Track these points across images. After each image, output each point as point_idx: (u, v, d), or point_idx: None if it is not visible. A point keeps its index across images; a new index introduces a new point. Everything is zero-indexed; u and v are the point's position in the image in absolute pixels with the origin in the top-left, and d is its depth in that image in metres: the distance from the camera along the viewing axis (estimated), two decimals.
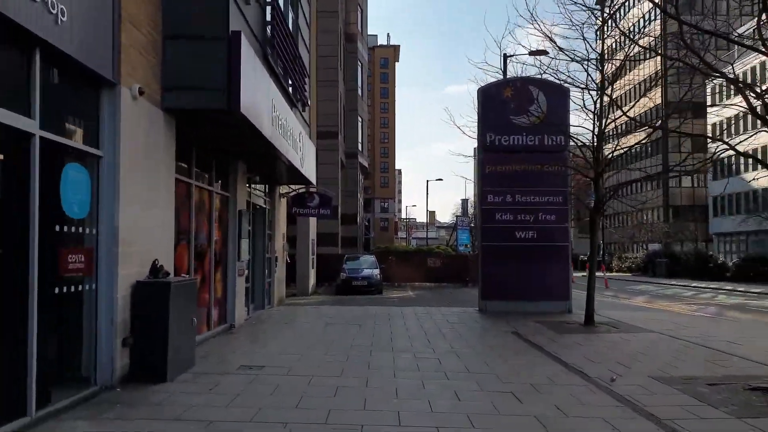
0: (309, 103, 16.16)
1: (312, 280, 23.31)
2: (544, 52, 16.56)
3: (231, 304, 11.32)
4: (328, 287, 25.89)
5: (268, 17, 10.21)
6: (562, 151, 15.09)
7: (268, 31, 10.19)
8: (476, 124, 15.35)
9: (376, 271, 23.23)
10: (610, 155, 12.27)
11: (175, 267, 8.26)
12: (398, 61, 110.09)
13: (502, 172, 15.14)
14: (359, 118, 40.82)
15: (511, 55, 18.02)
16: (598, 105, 12.25)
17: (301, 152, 13.11)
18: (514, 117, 15.03)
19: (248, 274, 13.34)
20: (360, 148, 40.82)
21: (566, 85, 13.45)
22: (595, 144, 12.28)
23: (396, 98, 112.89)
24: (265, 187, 14.96)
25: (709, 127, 48.76)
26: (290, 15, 13.48)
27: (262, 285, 14.63)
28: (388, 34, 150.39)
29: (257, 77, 8.49)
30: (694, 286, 29.22)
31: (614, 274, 40.15)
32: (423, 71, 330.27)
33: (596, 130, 12.24)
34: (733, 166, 45.66)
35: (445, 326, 11.99)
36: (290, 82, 13.41)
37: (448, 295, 21.97)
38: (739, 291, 26.05)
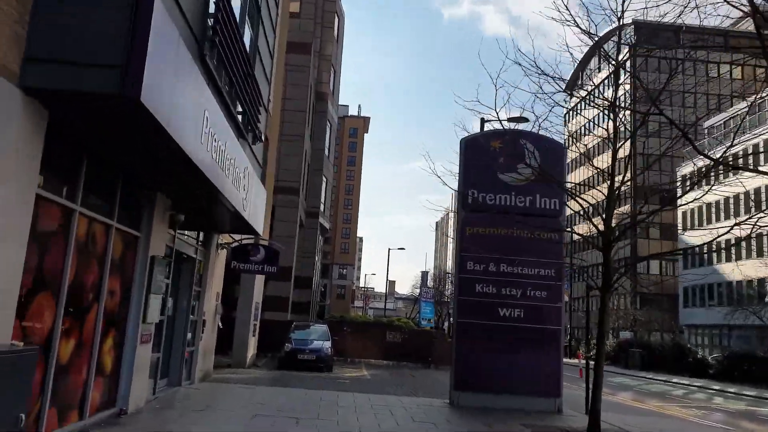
0: (263, 138, 13.74)
1: (252, 350, 20.05)
2: (524, 119, 14.88)
3: (125, 381, 8.30)
4: (270, 359, 22.55)
5: (212, 8, 7.95)
6: (556, 217, 13.01)
7: (209, 23, 7.89)
8: (444, 193, 13.22)
9: (328, 344, 20.19)
10: (628, 221, 10.13)
11: (22, 327, 5.45)
12: (367, 132, 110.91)
13: (485, 236, 12.86)
14: (324, 178, 38.71)
15: (488, 120, 16.25)
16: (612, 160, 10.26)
17: (246, 192, 10.54)
18: (501, 173, 12.97)
19: (162, 340, 10.35)
20: (322, 208, 38.45)
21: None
22: (606, 208, 10.19)
23: (363, 167, 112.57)
24: (198, 234, 12.22)
25: (679, 215, 48.73)
26: (248, 31, 11.32)
27: (180, 355, 11.56)
28: (359, 105, 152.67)
29: (180, 71, 6.06)
30: (678, 383, 26.99)
31: (581, 361, 37.79)
32: (390, 146, 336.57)
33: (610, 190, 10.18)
34: (705, 256, 45.08)
35: (410, 427, 9.17)
36: (240, 107, 11.05)
37: (409, 378, 19.02)
38: (731, 392, 23.91)
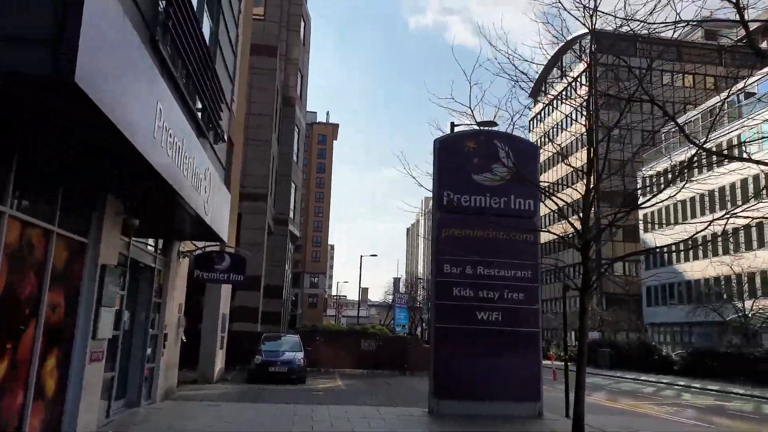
0: (225, 138, 13.03)
1: (219, 364, 19.14)
2: (493, 123, 14.57)
3: (72, 404, 7.48)
4: (240, 372, 21.64)
5: None
6: (531, 217, 12.64)
7: (161, 6, 7.21)
8: (422, 191, 12.75)
9: (300, 355, 19.42)
10: (613, 218, 9.75)
11: None
12: (336, 139, 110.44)
13: (461, 237, 12.39)
14: (293, 185, 37.90)
15: (458, 125, 15.83)
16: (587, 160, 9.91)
17: (208, 195, 9.83)
18: (476, 174, 12.55)
19: (117, 357, 9.53)
20: (291, 215, 37.59)
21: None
22: (583, 207, 9.81)
23: (332, 174, 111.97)
24: (157, 241, 11.42)
25: (640, 216, 49.34)
26: (207, 21, 10.65)
27: (138, 373, 10.72)
28: (328, 112, 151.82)
29: (126, 54, 5.39)
30: (646, 380, 27.04)
31: (554, 362, 37.82)
32: (359, 153, 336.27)
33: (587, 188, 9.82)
34: (666, 256, 45.75)
35: None
36: (199, 103, 10.35)
37: (385, 386, 18.41)
38: (696, 388, 24.00)
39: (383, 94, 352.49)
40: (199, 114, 10.54)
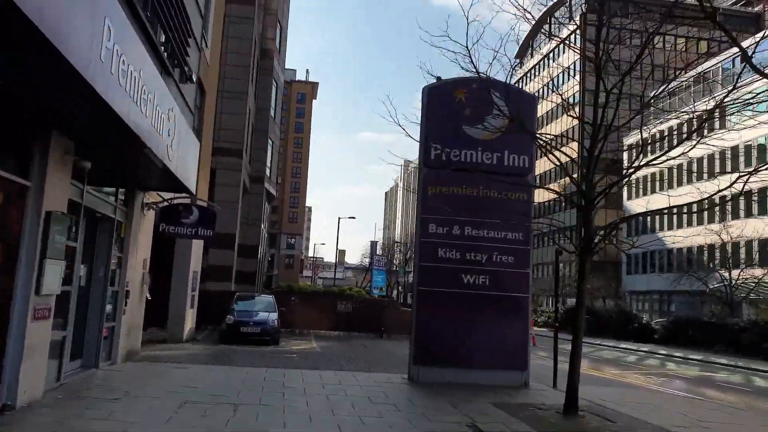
0: (194, 78, 11.88)
1: (190, 324, 18.35)
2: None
3: (11, 367, 6.58)
4: (212, 333, 20.92)
5: None
6: (525, 175, 11.86)
7: None
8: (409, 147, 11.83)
9: (274, 316, 18.71)
10: (625, 173, 8.99)
11: None
12: (315, 98, 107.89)
13: (449, 195, 11.58)
14: (270, 141, 36.51)
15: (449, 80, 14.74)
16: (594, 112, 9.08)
17: (173, 140, 8.79)
18: (467, 126, 11.66)
19: (71, 315, 8.61)
20: (268, 173, 36.35)
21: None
22: (588, 161, 9.05)
23: (311, 134, 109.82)
24: (117, 191, 10.36)
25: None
26: None
27: (96, 332, 9.83)
28: (307, 70, 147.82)
29: None
30: (627, 348, 27.09)
31: (533, 328, 38.01)
32: (338, 115, 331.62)
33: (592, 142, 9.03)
34: (648, 224, 45.92)
35: (369, 412, 7.91)
36: (163, 36, 9.20)
37: (361, 349, 17.85)
38: (679, 357, 24.08)
39: (366, 56, 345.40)
40: (163, 48, 9.39)
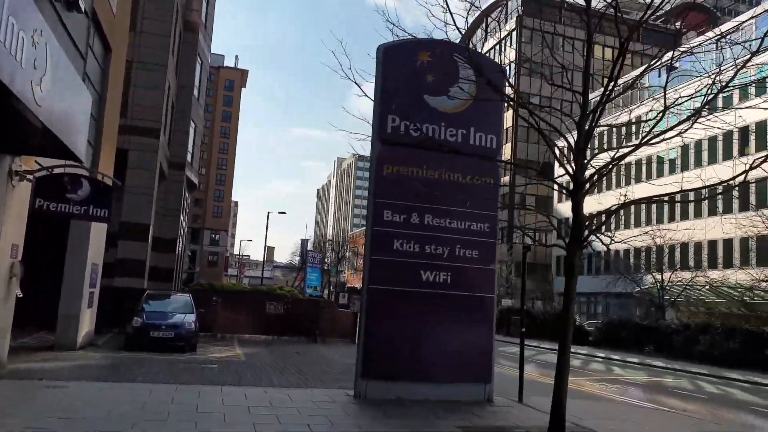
0: (82, 8, 9.32)
1: (87, 327, 15.47)
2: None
3: None
4: (117, 336, 18.01)
5: None
6: (493, 156, 10.21)
7: None
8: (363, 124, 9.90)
9: (191, 318, 16.14)
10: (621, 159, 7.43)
11: None
12: (245, 86, 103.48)
13: (407, 177, 9.73)
14: (192, 124, 33.31)
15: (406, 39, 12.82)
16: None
17: (42, 76, 6.36)
18: (430, 96, 9.87)
19: None
20: (190, 159, 33.15)
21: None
22: (577, 138, 7.46)
23: (239, 125, 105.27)
24: None
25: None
26: None
27: None
28: (237, 56, 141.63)
29: None
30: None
31: None
32: (267, 109, 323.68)
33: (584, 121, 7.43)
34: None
35: None
36: None
37: (294, 357, 15.67)
38: (617, 360, 23.57)
39: (300, 48, 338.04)
40: None
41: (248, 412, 7.59)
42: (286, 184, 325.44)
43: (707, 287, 31.10)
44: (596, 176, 7.42)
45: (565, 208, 46.62)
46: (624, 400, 12.36)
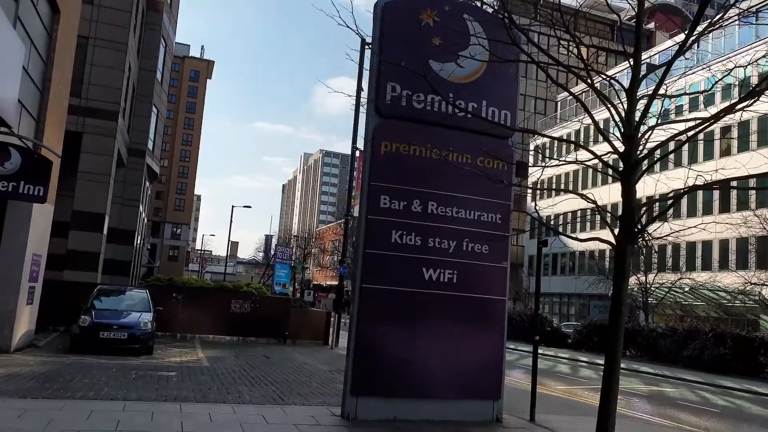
0: None
1: (25, 326, 13.50)
2: None
3: None
4: (63, 336, 16.06)
5: None
6: (506, 137, 8.87)
7: None
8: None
9: (147, 317, 14.33)
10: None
11: None
12: (210, 77, 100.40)
13: (408, 157, 8.28)
14: (154, 109, 31.11)
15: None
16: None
17: None
18: (436, 62, 8.44)
19: None
20: (151, 146, 30.96)
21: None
22: (628, 105, 6.16)
23: (204, 117, 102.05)
24: None
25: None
26: None
27: None
28: (202, 46, 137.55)
29: None
30: (548, 355, 25.29)
31: None
32: (232, 102, 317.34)
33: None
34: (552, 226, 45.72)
35: None
36: None
37: (264, 362, 14.03)
38: (602, 365, 22.55)
39: (266, 41, 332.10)
40: None
41: None
42: (250, 179, 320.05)
43: (687, 290, 30.66)
44: (654, 154, 6.11)
45: (541, 206, 45.93)
46: (636, 415, 11.20)
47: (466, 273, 8.34)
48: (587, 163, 6.79)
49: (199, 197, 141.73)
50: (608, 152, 6.48)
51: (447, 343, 8.16)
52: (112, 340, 13.53)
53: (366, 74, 8.73)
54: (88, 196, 22.09)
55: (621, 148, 6.15)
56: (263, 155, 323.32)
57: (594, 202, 6.42)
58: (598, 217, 42.24)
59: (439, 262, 8.23)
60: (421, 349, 8.00)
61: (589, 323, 29.61)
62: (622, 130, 6.04)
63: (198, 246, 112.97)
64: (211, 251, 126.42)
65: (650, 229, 6.61)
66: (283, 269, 25.35)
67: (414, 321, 8.05)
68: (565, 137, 40.23)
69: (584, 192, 7.33)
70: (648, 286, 29.37)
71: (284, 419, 7.36)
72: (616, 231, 6.18)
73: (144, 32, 29.17)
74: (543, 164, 7.99)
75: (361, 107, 20.05)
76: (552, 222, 42.74)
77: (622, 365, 22.12)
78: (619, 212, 6.07)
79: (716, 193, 29.36)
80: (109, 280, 24.03)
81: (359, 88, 19.62)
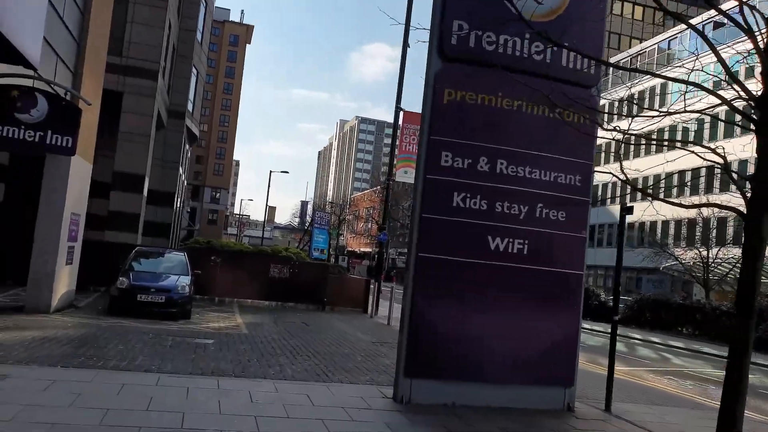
0: None
1: (66, 287, 13.18)
2: None
3: None
4: (102, 297, 15.83)
5: None
6: (590, 86, 7.67)
7: None
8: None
9: (185, 280, 13.84)
10: None
11: None
12: (250, 42, 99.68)
13: (475, 107, 7.20)
14: (194, 70, 30.48)
15: None
16: None
17: None
18: None
19: None
20: (191, 108, 30.47)
21: None
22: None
23: (243, 81, 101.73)
24: None
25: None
26: None
27: None
28: (243, 10, 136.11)
29: None
30: (598, 331, 23.99)
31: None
32: (269, 68, 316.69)
33: None
34: (600, 197, 43.82)
35: None
36: None
37: (303, 330, 13.40)
38: (659, 344, 21.37)
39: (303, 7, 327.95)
40: None
41: (255, 425, 5.27)
42: (287, 146, 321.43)
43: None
44: None
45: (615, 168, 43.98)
46: (715, 405, 10.05)
47: (538, 243, 7.29)
48: (705, 111, 5.56)
49: (237, 162, 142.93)
50: (736, 98, 5.26)
51: (514, 323, 7.19)
52: (149, 303, 13.09)
53: (426, 17, 7.57)
54: (129, 157, 21.75)
55: (756, 91, 4.93)
56: (299, 122, 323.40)
57: (723, 156, 5.22)
58: (694, 181, 39.68)
59: (507, 230, 7.19)
60: (484, 328, 7.06)
61: (640, 298, 28.16)
62: (762, 67, 4.82)
63: (236, 210, 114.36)
64: (249, 215, 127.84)
65: None
66: (321, 234, 24.67)
67: (477, 296, 7.09)
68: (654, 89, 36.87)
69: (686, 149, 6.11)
70: (707, 261, 27.58)
71: (332, 400, 6.58)
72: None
73: None
74: (647, 112, 6.76)
75: (406, 61, 18.82)
76: (630, 186, 40.78)
77: (680, 344, 21.09)
78: (750, 172, 4.90)
79: None
80: (149, 241, 23.89)
81: (406, 40, 18.37)
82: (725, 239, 30.12)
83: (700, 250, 27.70)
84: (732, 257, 27.68)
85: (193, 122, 31.83)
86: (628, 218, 8.35)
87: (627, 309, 27.86)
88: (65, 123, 7.31)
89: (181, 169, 30.94)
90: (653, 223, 38.94)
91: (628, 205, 8.10)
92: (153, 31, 22.49)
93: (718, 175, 28.10)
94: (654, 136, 7.85)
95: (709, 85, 6.13)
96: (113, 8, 14.79)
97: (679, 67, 8.01)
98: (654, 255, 30.07)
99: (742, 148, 12.97)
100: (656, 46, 46.51)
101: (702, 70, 6.78)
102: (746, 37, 5.49)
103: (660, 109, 6.19)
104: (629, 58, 48.21)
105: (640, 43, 51.89)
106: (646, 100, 37.23)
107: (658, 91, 38.84)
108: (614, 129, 6.11)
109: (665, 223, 38.98)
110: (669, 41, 44.98)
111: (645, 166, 18.88)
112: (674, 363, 16.44)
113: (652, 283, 37.05)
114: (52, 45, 10.33)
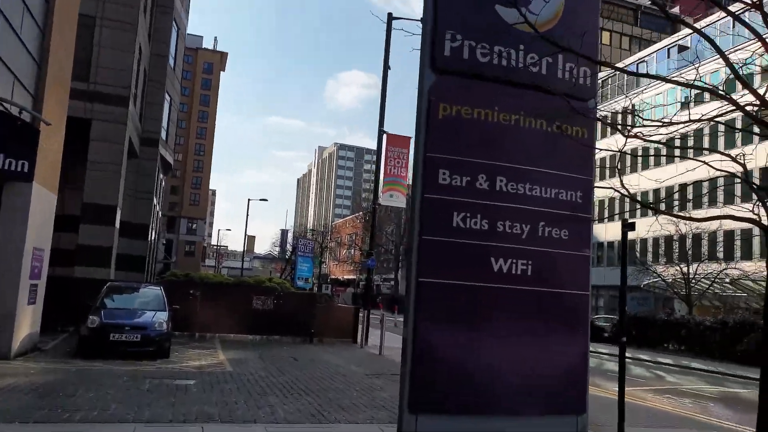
0: None
1: (28, 328, 12.29)
2: None
3: None
4: (72, 337, 14.89)
5: None
6: (586, 99, 7.34)
7: None
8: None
9: (162, 316, 13.05)
10: None
11: None
12: (224, 70, 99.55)
13: (471, 122, 6.79)
14: (167, 96, 29.87)
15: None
16: None
17: None
18: (502, 6, 6.92)
19: None
20: (164, 136, 29.77)
21: None
22: None
23: (218, 109, 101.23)
24: None
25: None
26: None
27: None
28: (216, 37, 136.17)
29: None
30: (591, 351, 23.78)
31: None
32: (243, 97, 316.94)
33: None
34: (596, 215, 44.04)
35: None
36: None
37: (291, 364, 12.69)
38: (648, 361, 21.12)
39: (281, 31, 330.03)
40: None
41: None
42: (263, 173, 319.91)
43: (728, 281, 28.85)
44: None
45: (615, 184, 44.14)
46: (724, 425, 9.66)
47: (542, 263, 6.84)
48: (717, 119, 5.24)
49: (214, 192, 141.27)
50: (747, 103, 4.96)
51: (521, 349, 6.70)
52: (123, 343, 12.28)
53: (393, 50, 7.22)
54: (99, 188, 20.92)
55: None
56: (276, 150, 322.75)
57: (743, 165, 4.88)
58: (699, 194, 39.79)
59: (510, 250, 6.73)
60: (492, 355, 6.55)
61: (630, 317, 27.97)
62: None
63: (214, 241, 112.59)
64: (227, 246, 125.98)
65: None
66: (306, 263, 24.00)
67: (481, 322, 6.59)
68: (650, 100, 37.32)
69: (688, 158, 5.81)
70: (687, 276, 27.62)
71: None
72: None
73: (155, 15, 27.91)
74: (659, 122, 6.44)
75: (388, 74, 18.55)
76: (629, 202, 40.91)
77: (669, 360, 20.83)
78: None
79: None
80: (123, 276, 22.91)
81: (386, 62, 18.13)
82: (701, 255, 30.37)
83: (681, 266, 27.77)
84: (710, 273, 27.82)
85: (167, 150, 31.07)
86: (606, 237, 8.04)
87: (613, 327, 27.64)
88: (21, 145, 6.67)
89: (155, 199, 30.05)
90: (632, 242, 39.11)
91: (630, 221, 7.75)
92: (122, 56, 21.88)
93: (726, 186, 27.63)
94: (663, 146, 7.54)
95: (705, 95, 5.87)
96: (78, 31, 14.17)
97: (677, 77, 7.79)
98: (636, 273, 30.09)
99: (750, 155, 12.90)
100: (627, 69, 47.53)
101: (700, 80, 6.53)
102: (742, 45, 5.22)
103: (670, 120, 5.88)
104: (602, 80, 49.06)
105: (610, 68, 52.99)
106: (643, 113, 37.52)
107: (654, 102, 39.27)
108: (635, 136, 5.74)
109: (643, 240, 39.14)
110: (637, 64, 45.97)
111: (655, 177, 18.67)
112: (669, 381, 16.09)
113: (636, 301, 37.04)
114: (6, 63, 9.65)
